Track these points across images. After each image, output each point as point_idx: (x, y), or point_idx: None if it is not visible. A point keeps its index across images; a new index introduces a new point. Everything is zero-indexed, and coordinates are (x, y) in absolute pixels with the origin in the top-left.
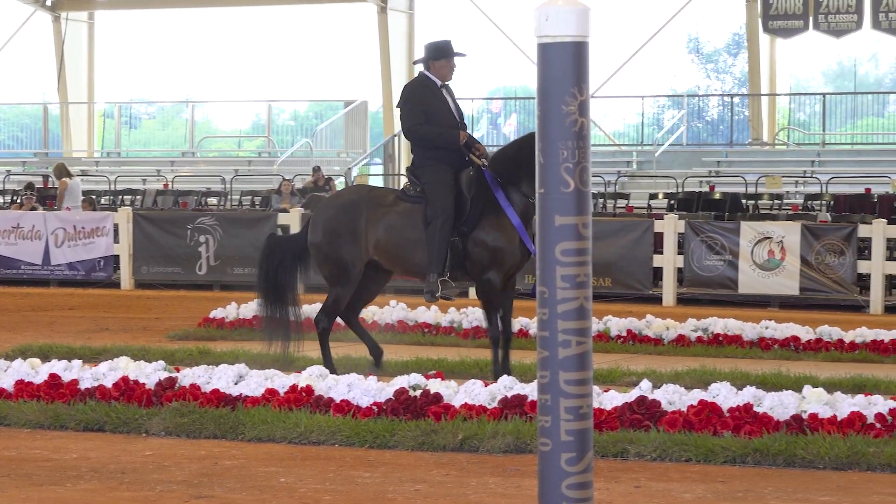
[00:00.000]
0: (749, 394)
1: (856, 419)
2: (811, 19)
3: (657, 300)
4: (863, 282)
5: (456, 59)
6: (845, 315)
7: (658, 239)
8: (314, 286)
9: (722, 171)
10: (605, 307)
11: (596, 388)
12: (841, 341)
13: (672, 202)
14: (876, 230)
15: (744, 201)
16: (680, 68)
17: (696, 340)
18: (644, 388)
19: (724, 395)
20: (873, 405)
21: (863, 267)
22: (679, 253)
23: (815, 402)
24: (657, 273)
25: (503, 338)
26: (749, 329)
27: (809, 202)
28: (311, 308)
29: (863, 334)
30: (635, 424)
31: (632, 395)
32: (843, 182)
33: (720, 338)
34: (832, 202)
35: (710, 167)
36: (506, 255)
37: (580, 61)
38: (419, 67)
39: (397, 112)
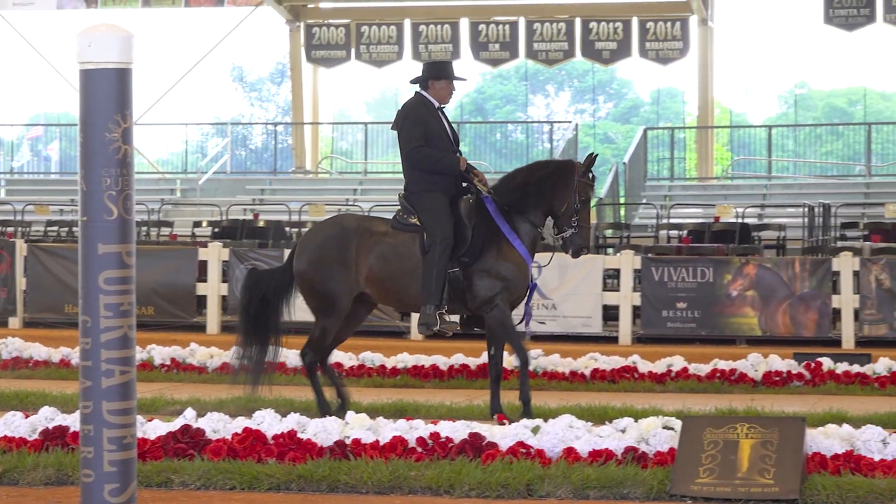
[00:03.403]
0: (293, 420)
1: (398, 443)
2: (353, 50)
3: (201, 328)
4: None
5: (455, 83)
6: (387, 341)
7: (202, 267)
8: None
9: (266, 199)
10: (148, 336)
11: (140, 418)
12: (383, 367)
13: (216, 230)
14: None
15: (287, 229)
16: (224, 96)
17: (241, 368)
18: (188, 416)
19: (269, 423)
20: (414, 429)
21: None
22: (224, 281)
23: (358, 427)
24: (201, 301)
25: (493, 375)
26: (292, 356)
27: None
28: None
29: (404, 360)
30: (179, 453)
31: (176, 424)
32: (384, 210)
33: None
34: None
35: (255, 195)
36: (513, 287)
37: (123, 88)
38: (415, 87)
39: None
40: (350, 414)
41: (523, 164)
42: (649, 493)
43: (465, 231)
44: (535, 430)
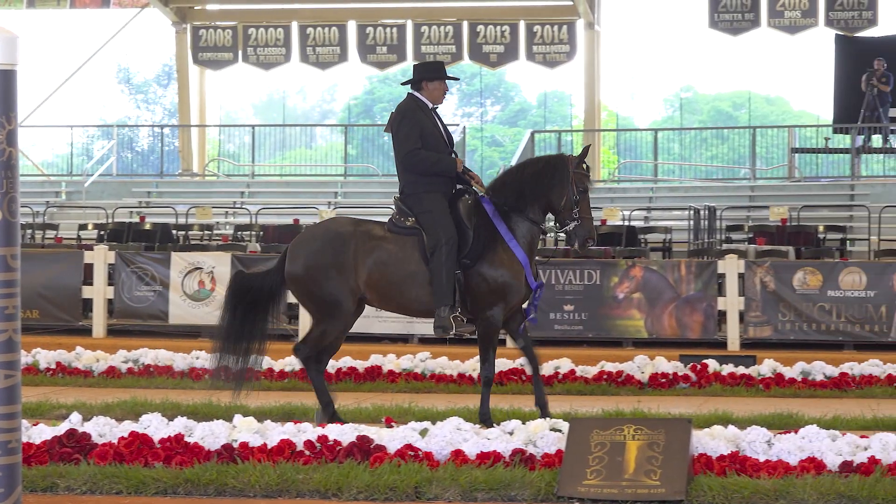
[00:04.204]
0: (180, 424)
1: (285, 447)
2: (241, 52)
3: (87, 332)
4: (291, 311)
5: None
6: (275, 344)
7: (88, 270)
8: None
9: (152, 202)
10: (33, 339)
11: (25, 422)
12: (271, 370)
13: (102, 233)
14: None
15: (174, 232)
16: (110, 98)
17: (128, 371)
18: (74, 420)
19: (156, 426)
20: (302, 432)
21: (292, 297)
22: (110, 284)
23: (246, 430)
24: (87, 304)
25: (484, 378)
26: (179, 360)
27: (239, 232)
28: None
29: (292, 363)
30: (65, 458)
31: (62, 429)
32: (272, 213)
33: (151, 369)
34: (262, 232)
35: (141, 198)
36: (510, 292)
37: (8, 90)
38: (407, 88)
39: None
40: (238, 417)
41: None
42: (537, 495)
43: (466, 233)
44: (423, 432)
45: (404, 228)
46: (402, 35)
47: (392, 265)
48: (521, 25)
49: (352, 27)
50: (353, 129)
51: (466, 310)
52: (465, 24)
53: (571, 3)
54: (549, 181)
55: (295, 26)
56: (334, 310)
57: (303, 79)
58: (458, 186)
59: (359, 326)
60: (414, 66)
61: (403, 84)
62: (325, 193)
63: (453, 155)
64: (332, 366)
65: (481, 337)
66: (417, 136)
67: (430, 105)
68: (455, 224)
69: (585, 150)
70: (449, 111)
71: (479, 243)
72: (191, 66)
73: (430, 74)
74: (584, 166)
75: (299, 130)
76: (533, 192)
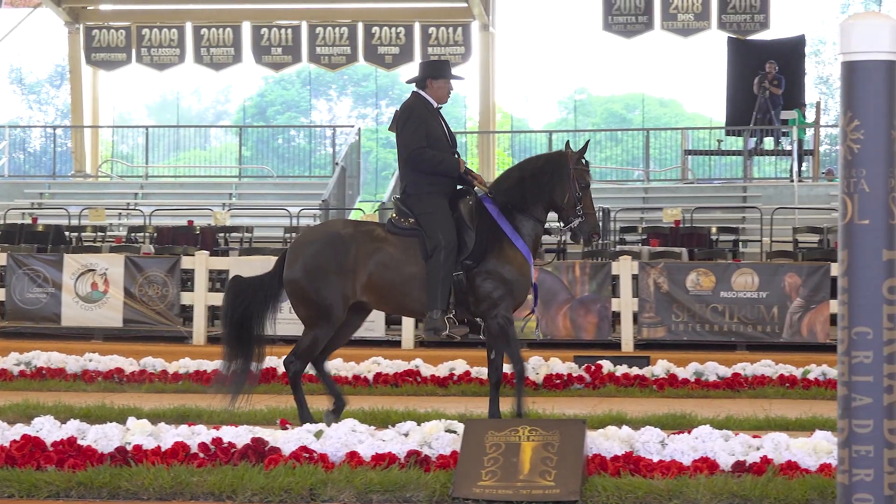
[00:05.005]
0: (73, 427)
1: (179, 449)
2: (134, 52)
3: None
4: (186, 313)
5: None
6: (169, 346)
7: None
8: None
9: (45, 203)
10: None
11: None
12: (165, 372)
13: None
14: (199, 262)
15: (67, 234)
16: (2, 99)
17: (20, 374)
18: None
19: (48, 429)
20: (197, 435)
21: (186, 298)
22: (1, 286)
23: (140, 433)
24: None
25: (493, 380)
26: (72, 362)
27: (133, 234)
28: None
29: (186, 365)
30: None
31: None
32: (166, 214)
33: (43, 371)
34: (155, 234)
35: (33, 199)
36: (517, 289)
37: None
38: (412, 87)
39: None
40: (131, 420)
41: (305, 168)
42: (432, 497)
43: (467, 233)
44: (319, 434)
45: (404, 229)
46: (297, 36)
47: (393, 267)
48: (417, 27)
49: (246, 28)
50: (247, 131)
51: (468, 311)
52: (361, 26)
53: (466, 4)
54: (551, 179)
55: (189, 27)
56: (327, 315)
57: (197, 80)
58: (460, 187)
59: None
60: (420, 64)
61: (408, 82)
62: (219, 195)
63: (456, 155)
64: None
65: (496, 337)
66: (423, 135)
67: (435, 104)
68: (456, 225)
69: (585, 146)
70: (343, 113)
71: (483, 243)
72: (84, 67)
73: (436, 73)
74: (584, 162)
75: (193, 131)
76: (535, 191)
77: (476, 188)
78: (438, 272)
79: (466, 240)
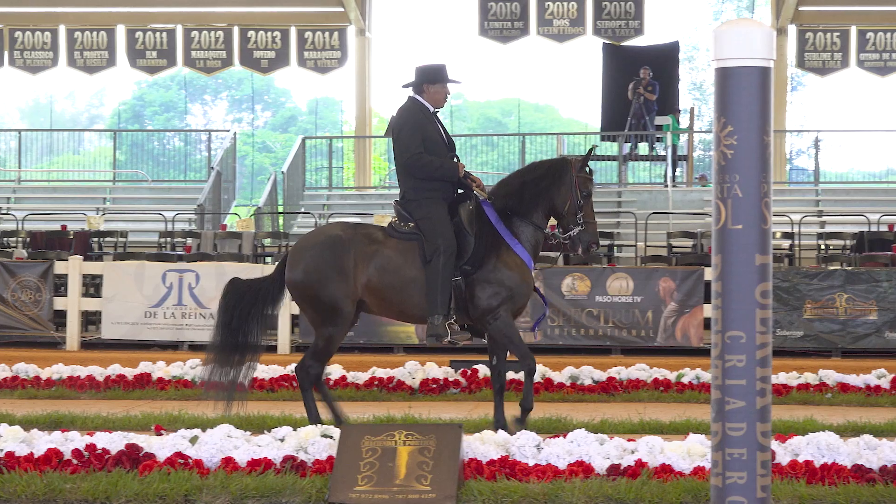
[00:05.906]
0: None
1: (53, 456)
2: (7, 56)
3: None
4: (59, 318)
5: (449, 86)
6: (42, 352)
7: None
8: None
9: None
10: None
11: None
12: (38, 378)
13: None
14: (72, 267)
15: None
16: None
17: None
18: None
19: None
20: (70, 441)
21: (59, 304)
22: None
23: (13, 440)
24: None
25: (497, 387)
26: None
27: (5, 239)
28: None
29: (59, 371)
30: None
31: None
32: (39, 219)
33: None
34: (28, 239)
35: None
36: (517, 294)
37: None
38: (408, 91)
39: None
40: (3, 426)
41: (180, 172)
42: (308, 502)
43: (467, 239)
44: (194, 440)
45: (404, 234)
46: (173, 40)
47: (392, 271)
48: (293, 31)
49: (121, 31)
50: (122, 135)
51: (467, 317)
52: (236, 30)
53: (342, 9)
54: (552, 185)
55: (62, 30)
56: (336, 314)
57: (71, 83)
58: (459, 191)
59: (128, 333)
60: (416, 69)
61: (405, 87)
62: (93, 199)
63: (455, 159)
64: (101, 373)
65: (497, 341)
66: (420, 140)
67: (432, 109)
68: (455, 230)
69: (589, 153)
70: (219, 117)
71: (482, 248)
72: None
73: (433, 78)
74: (588, 170)
75: (67, 135)
76: (536, 197)
77: (475, 192)
78: (437, 277)
79: (465, 245)
